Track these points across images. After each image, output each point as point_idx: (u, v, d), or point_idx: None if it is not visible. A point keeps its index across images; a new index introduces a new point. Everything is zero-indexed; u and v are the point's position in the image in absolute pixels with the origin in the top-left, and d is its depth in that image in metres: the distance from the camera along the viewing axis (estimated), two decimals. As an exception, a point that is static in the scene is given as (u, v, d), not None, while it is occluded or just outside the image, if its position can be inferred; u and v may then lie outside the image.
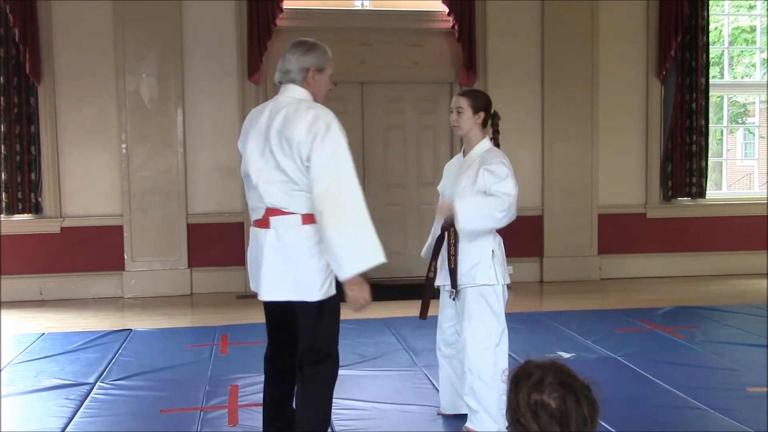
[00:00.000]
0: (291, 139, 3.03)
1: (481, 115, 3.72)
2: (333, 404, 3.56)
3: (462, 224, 3.54)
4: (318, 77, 3.22)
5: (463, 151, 3.83)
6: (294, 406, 3.37)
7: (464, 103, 3.72)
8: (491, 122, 3.80)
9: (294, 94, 3.20)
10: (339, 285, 3.17)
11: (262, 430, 3.53)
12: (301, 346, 3.20)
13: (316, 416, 3.25)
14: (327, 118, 3.06)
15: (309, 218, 3.08)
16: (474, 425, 3.61)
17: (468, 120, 3.72)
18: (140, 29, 7.35)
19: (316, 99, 3.25)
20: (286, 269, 3.12)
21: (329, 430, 3.39)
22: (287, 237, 3.11)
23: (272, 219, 3.13)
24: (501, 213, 3.54)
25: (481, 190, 3.60)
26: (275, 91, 3.35)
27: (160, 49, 7.42)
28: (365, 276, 3.10)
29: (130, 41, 7.36)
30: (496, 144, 3.79)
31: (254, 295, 3.33)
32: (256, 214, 3.22)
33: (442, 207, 3.66)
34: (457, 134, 3.86)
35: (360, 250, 3.04)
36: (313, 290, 3.11)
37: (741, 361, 4.84)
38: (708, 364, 4.84)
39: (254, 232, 3.26)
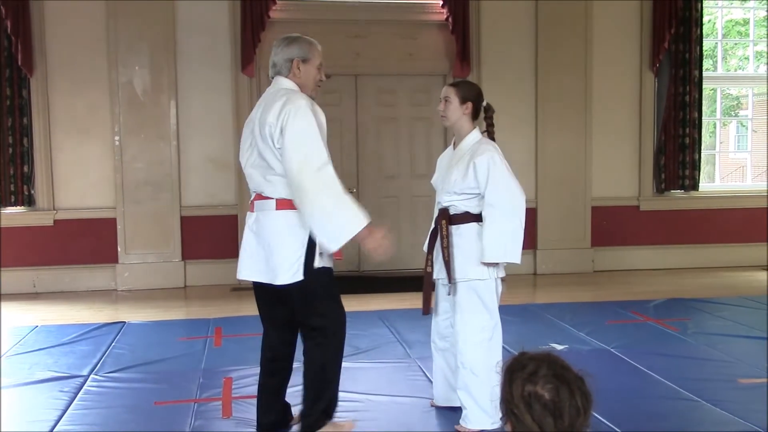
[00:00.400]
0: (264, 124, 3.20)
1: (469, 105, 3.69)
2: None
3: (515, 259, 3.54)
4: (304, 67, 3.35)
5: (454, 144, 3.83)
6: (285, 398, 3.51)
7: (452, 92, 3.70)
8: (485, 115, 3.77)
9: (281, 84, 3.35)
10: (316, 272, 3.26)
11: (256, 421, 3.56)
12: (298, 321, 3.39)
13: (312, 380, 3.36)
14: (297, 101, 3.19)
15: (282, 203, 3.23)
16: (466, 423, 3.61)
17: (455, 110, 3.70)
18: (133, 21, 7.31)
19: (304, 89, 3.37)
20: (260, 251, 3.30)
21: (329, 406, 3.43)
22: (263, 221, 3.29)
23: (255, 203, 3.35)
24: (511, 215, 3.52)
25: (472, 187, 3.59)
26: (269, 83, 3.46)
27: (152, 40, 7.39)
28: (370, 227, 3.22)
29: (123, 33, 7.32)
30: (491, 138, 3.76)
31: (248, 288, 3.40)
32: (250, 199, 3.44)
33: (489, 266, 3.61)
34: (444, 125, 3.84)
35: (348, 217, 3.16)
36: (279, 274, 3.23)
37: (733, 353, 4.87)
38: (700, 355, 4.86)
39: (247, 217, 3.48)
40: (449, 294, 3.69)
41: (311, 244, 3.23)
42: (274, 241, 3.24)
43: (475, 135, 3.72)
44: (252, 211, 3.36)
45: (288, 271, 3.21)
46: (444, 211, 3.69)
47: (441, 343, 3.86)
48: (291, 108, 3.15)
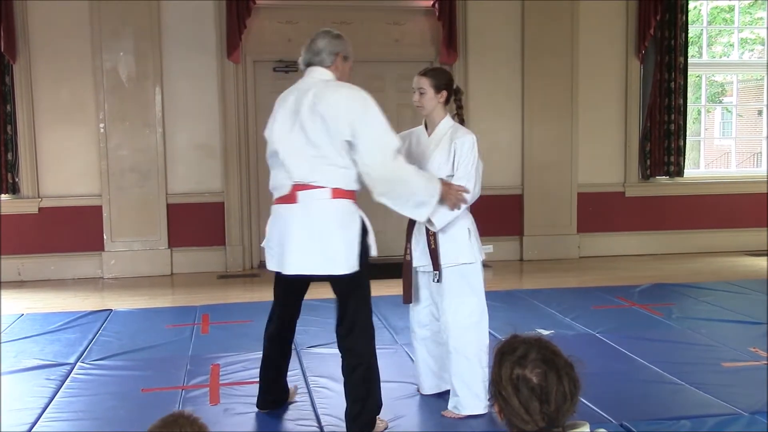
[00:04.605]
0: (325, 115, 3.18)
1: (444, 94, 3.73)
2: (314, 382, 3.58)
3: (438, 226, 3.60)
4: (343, 65, 3.48)
5: (426, 127, 3.84)
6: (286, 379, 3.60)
7: (426, 83, 3.73)
8: (455, 98, 3.81)
9: (320, 75, 3.37)
10: (365, 262, 3.28)
11: (257, 397, 3.68)
12: (336, 318, 3.35)
13: (357, 395, 3.33)
14: (360, 93, 3.29)
15: (338, 192, 3.20)
16: (460, 408, 3.63)
17: (431, 100, 3.73)
18: (116, 6, 7.23)
19: None
20: (313, 243, 3.21)
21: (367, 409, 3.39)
22: (315, 210, 3.21)
23: (300, 194, 3.23)
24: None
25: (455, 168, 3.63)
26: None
27: (137, 26, 7.32)
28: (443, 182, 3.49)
29: (107, 18, 7.25)
30: (461, 119, 3.81)
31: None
32: (280, 192, 3.32)
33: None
34: (421, 114, 3.87)
35: (431, 186, 3.40)
36: (339, 263, 3.20)
37: (716, 337, 4.91)
38: (684, 339, 4.90)
39: (277, 210, 3.36)
40: (435, 281, 3.68)
41: (364, 234, 3.27)
42: (331, 230, 3.20)
43: (448, 120, 3.77)
44: (293, 202, 3.25)
45: (347, 261, 3.20)
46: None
47: (421, 332, 3.84)
48: (359, 101, 3.25)
